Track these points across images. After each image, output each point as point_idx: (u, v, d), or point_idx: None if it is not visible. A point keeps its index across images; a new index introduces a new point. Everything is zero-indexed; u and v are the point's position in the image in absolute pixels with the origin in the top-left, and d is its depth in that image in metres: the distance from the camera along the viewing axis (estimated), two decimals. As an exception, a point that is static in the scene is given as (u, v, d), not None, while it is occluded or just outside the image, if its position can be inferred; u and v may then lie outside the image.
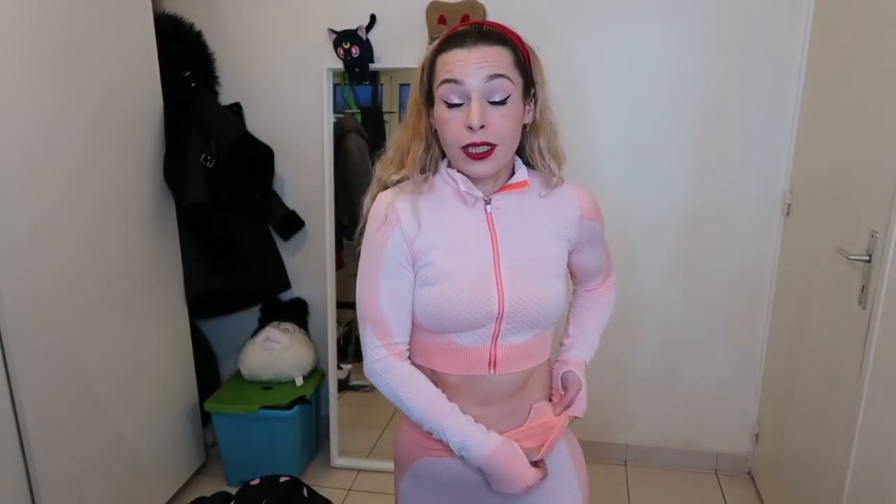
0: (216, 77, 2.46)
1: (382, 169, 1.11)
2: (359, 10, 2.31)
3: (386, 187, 1.09)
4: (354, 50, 2.29)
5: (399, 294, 1.05)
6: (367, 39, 2.30)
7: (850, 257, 1.61)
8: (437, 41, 1.02)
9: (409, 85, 3.41)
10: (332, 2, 2.34)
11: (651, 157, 2.31)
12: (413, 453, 1.13)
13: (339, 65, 2.34)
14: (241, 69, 2.46)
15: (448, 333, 1.05)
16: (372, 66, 2.34)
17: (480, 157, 0.98)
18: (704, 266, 2.37)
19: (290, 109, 2.46)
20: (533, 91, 1.04)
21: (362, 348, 1.09)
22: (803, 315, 2.04)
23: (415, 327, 1.08)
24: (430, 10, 2.24)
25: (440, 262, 1.03)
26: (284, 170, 2.52)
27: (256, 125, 2.47)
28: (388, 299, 1.05)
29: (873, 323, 1.51)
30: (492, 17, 2.24)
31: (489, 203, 1.06)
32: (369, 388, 3.15)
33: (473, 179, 1.04)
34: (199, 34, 2.38)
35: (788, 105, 2.18)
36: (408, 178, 1.07)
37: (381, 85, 3.18)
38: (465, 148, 0.98)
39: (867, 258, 1.55)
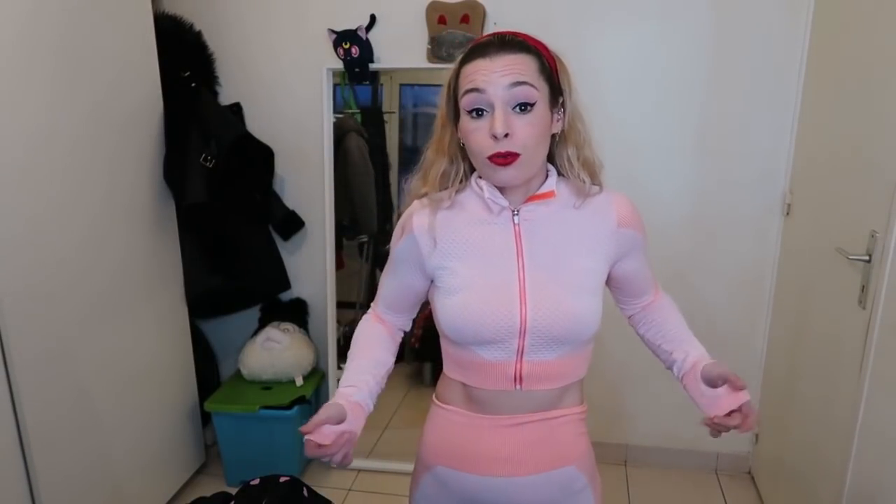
0: (216, 77, 2.46)
1: (413, 184, 1.12)
2: (359, 10, 2.31)
3: (415, 198, 1.11)
4: (354, 50, 2.29)
5: (399, 286, 1.14)
6: (367, 39, 2.30)
7: (850, 257, 1.60)
8: (460, 55, 1.01)
9: (409, 85, 3.44)
10: (332, 2, 2.34)
11: (651, 157, 2.31)
12: (436, 456, 1.14)
13: (339, 65, 2.34)
14: (241, 69, 2.46)
15: (473, 346, 1.04)
16: (372, 66, 2.34)
17: (505, 162, 0.96)
18: (704, 266, 2.37)
19: (290, 109, 2.46)
20: (561, 100, 1.03)
21: None
22: (803, 315, 2.04)
23: (445, 339, 1.10)
24: (430, 10, 2.24)
25: (462, 272, 1.03)
26: (284, 170, 2.52)
27: (256, 125, 2.47)
28: (389, 287, 1.16)
29: (873, 323, 1.51)
30: (491, 17, 2.24)
31: (517, 214, 1.04)
32: (369, 388, 3.16)
33: (502, 189, 1.03)
34: (199, 34, 2.38)
35: (788, 105, 2.18)
36: (428, 192, 1.08)
37: (381, 85, 3.18)
38: (491, 158, 0.97)
39: (867, 258, 1.55)
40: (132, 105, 2.03)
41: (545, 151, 1.03)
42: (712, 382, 1.05)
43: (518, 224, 1.04)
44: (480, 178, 1.04)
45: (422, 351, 3.11)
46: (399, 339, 1.22)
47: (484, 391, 1.06)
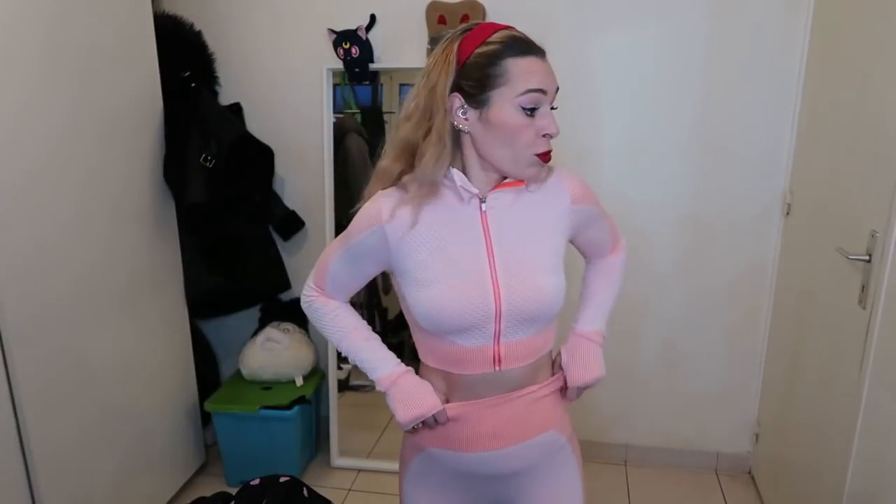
0: (216, 77, 2.46)
1: (387, 163, 1.08)
2: (359, 10, 2.31)
3: (387, 182, 1.09)
4: (354, 50, 2.29)
5: (353, 274, 1.14)
6: (367, 39, 2.30)
7: (850, 257, 1.60)
8: (495, 47, 0.99)
9: (409, 85, 3.42)
10: (332, 2, 2.34)
11: (651, 157, 2.30)
12: (426, 440, 1.17)
13: (339, 65, 2.34)
14: (241, 69, 2.46)
15: (450, 335, 1.07)
16: (372, 66, 2.34)
17: (548, 159, 1.04)
18: (704, 266, 2.37)
19: (290, 109, 2.46)
20: None
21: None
22: (803, 315, 2.04)
23: (421, 331, 1.11)
24: (430, 10, 2.24)
25: (433, 264, 1.05)
26: (284, 170, 2.52)
27: (256, 125, 2.47)
28: (338, 267, 1.14)
29: (873, 323, 1.51)
30: (491, 17, 2.24)
31: (484, 202, 1.07)
32: (369, 388, 3.16)
33: (482, 178, 1.06)
34: (199, 34, 2.37)
35: (788, 105, 2.18)
36: (409, 175, 1.06)
37: (381, 85, 3.18)
38: (540, 155, 1.02)
39: (867, 258, 1.55)
40: (132, 105, 2.02)
41: None
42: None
43: (485, 211, 1.07)
44: (453, 168, 1.04)
45: (422, 351, 3.11)
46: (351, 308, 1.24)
47: (464, 376, 1.09)
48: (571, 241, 1.18)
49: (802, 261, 2.07)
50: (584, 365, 1.18)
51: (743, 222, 2.31)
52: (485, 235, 1.06)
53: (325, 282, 1.17)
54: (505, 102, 0.99)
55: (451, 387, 1.12)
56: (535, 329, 1.09)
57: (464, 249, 1.05)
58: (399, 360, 1.16)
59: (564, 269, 1.11)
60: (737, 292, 2.37)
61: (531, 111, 0.99)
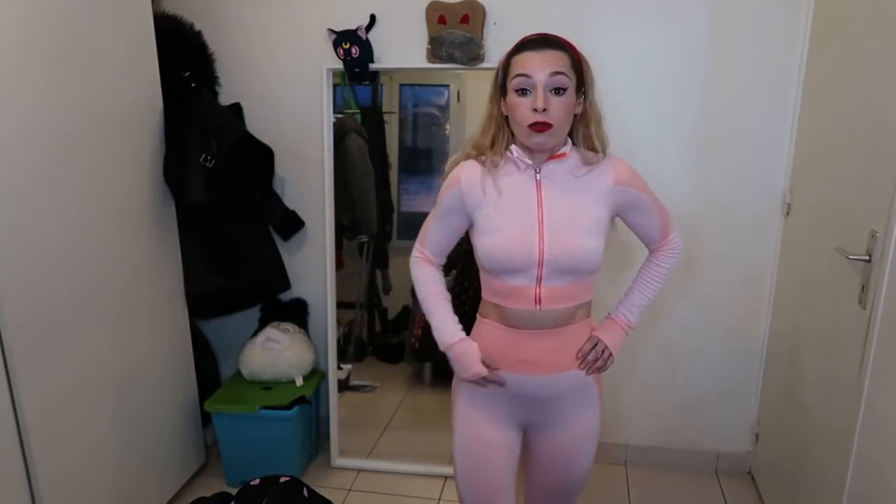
0: (216, 77, 2.46)
1: (467, 145, 1.41)
2: (359, 10, 2.31)
3: (467, 156, 1.40)
4: (354, 50, 2.29)
5: (443, 229, 1.43)
6: (367, 39, 2.30)
7: (850, 257, 1.61)
8: (511, 48, 1.31)
9: (409, 85, 3.44)
10: (332, 2, 2.35)
11: (651, 157, 2.29)
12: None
13: (339, 65, 2.34)
14: (241, 69, 2.46)
15: (503, 274, 1.34)
16: (372, 66, 2.34)
17: (540, 129, 1.27)
18: (704, 266, 2.37)
19: (290, 109, 2.46)
20: (583, 88, 1.32)
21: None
22: (803, 315, 2.04)
23: (483, 271, 1.40)
24: (430, 10, 2.24)
25: (495, 217, 1.33)
26: (284, 170, 2.52)
27: (256, 125, 2.47)
28: (434, 228, 1.44)
29: (873, 323, 1.51)
30: (491, 17, 2.24)
31: (539, 172, 1.34)
32: (369, 388, 3.18)
33: (531, 152, 1.33)
34: (199, 34, 2.37)
35: (788, 105, 2.18)
36: (483, 153, 1.36)
37: (381, 85, 3.18)
38: (530, 125, 1.26)
39: (867, 258, 1.55)
40: (132, 105, 2.02)
41: (569, 126, 1.33)
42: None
43: (539, 179, 1.34)
44: (514, 145, 1.35)
45: (422, 351, 3.11)
46: (442, 273, 1.50)
47: (512, 310, 1.36)
48: (623, 220, 1.42)
49: (802, 261, 2.07)
50: (613, 340, 1.45)
51: (743, 222, 2.31)
52: (538, 198, 1.33)
53: (426, 244, 1.46)
54: (509, 90, 1.29)
55: (501, 317, 1.38)
56: (572, 279, 1.33)
57: (520, 208, 1.32)
58: (458, 328, 1.42)
59: (606, 237, 1.35)
60: (737, 292, 2.37)
61: (523, 92, 1.27)
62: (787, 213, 2.24)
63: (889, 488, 1.42)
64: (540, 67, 1.24)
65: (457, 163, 1.40)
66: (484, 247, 1.34)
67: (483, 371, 1.37)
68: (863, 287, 1.58)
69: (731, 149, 2.26)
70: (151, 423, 2.17)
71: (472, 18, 2.21)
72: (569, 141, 1.36)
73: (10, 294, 1.57)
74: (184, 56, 2.29)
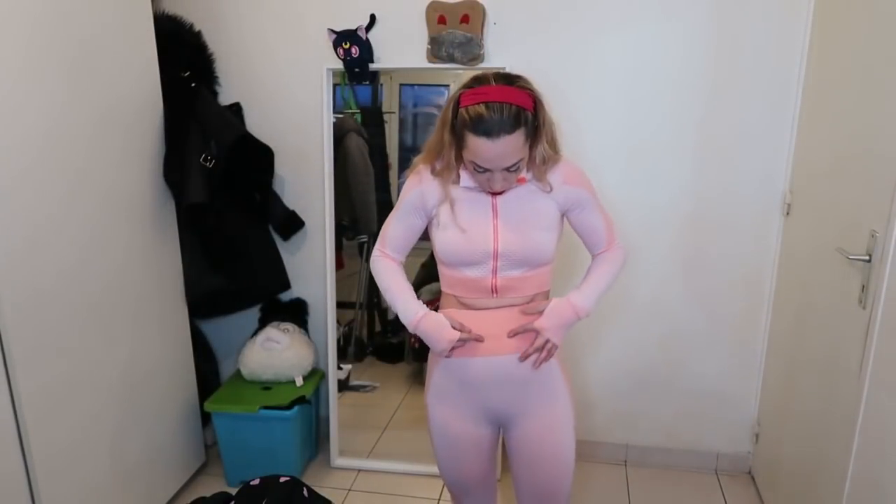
0: (216, 77, 2.46)
1: (419, 160, 1.47)
2: (359, 10, 2.31)
3: (417, 166, 1.47)
4: (354, 50, 2.29)
5: (403, 227, 1.48)
6: (367, 39, 2.30)
7: (850, 257, 1.61)
8: (467, 115, 1.29)
9: (409, 85, 3.43)
10: (332, 2, 2.34)
11: (651, 157, 2.31)
12: (436, 361, 1.49)
13: (339, 65, 2.34)
14: (241, 69, 2.46)
15: (460, 266, 1.42)
16: (372, 66, 2.34)
17: (497, 194, 1.40)
18: (704, 266, 2.37)
19: (290, 109, 2.46)
20: (538, 132, 1.34)
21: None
22: (803, 315, 2.04)
23: (442, 264, 1.47)
24: (430, 10, 2.24)
25: (453, 213, 1.40)
26: (284, 170, 2.52)
27: (256, 125, 2.47)
28: (394, 227, 1.50)
29: (873, 323, 1.51)
30: (491, 17, 2.24)
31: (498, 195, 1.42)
32: (369, 389, 3.18)
33: None
34: (199, 34, 2.38)
35: (788, 105, 2.18)
36: (432, 171, 1.43)
37: (381, 85, 3.18)
38: (488, 192, 1.39)
39: (867, 258, 1.55)
40: (132, 105, 2.03)
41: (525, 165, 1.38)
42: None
43: (495, 197, 1.42)
44: (465, 173, 1.40)
45: (422, 351, 3.11)
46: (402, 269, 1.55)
47: (470, 298, 1.44)
48: (568, 221, 1.47)
49: (802, 261, 2.07)
50: (556, 321, 1.43)
51: (743, 222, 2.31)
52: (492, 202, 1.40)
53: (385, 243, 1.51)
54: (467, 159, 1.34)
55: (460, 306, 1.46)
56: (526, 269, 1.41)
57: (475, 206, 1.40)
58: (421, 306, 1.46)
59: (558, 232, 1.44)
60: (737, 292, 2.37)
61: (483, 170, 1.32)
62: (787, 213, 2.24)
63: (889, 489, 1.42)
64: (496, 163, 1.29)
65: (412, 171, 1.48)
66: (441, 241, 1.42)
67: (456, 334, 1.41)
68: (863, 287, 1.58)
69: (731, 149, 2.26)
70: (151, 423, 2.18)
71: (472, 18, 2.21)
72: (523, 167, 1.38)
73: (9, 294, 1.57)
74: (184, 56, 2.30)
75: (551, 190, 1.41)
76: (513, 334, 1.43)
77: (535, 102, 1.32)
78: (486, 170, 1.32)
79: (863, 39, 1.73)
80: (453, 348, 1.42)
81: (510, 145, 1.28)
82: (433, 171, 1.43)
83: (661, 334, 2.46)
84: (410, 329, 1.46)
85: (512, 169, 1.32)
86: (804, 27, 2.11)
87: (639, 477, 2.52)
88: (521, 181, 1.40)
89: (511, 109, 1.26)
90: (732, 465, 2.54)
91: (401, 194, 1.48)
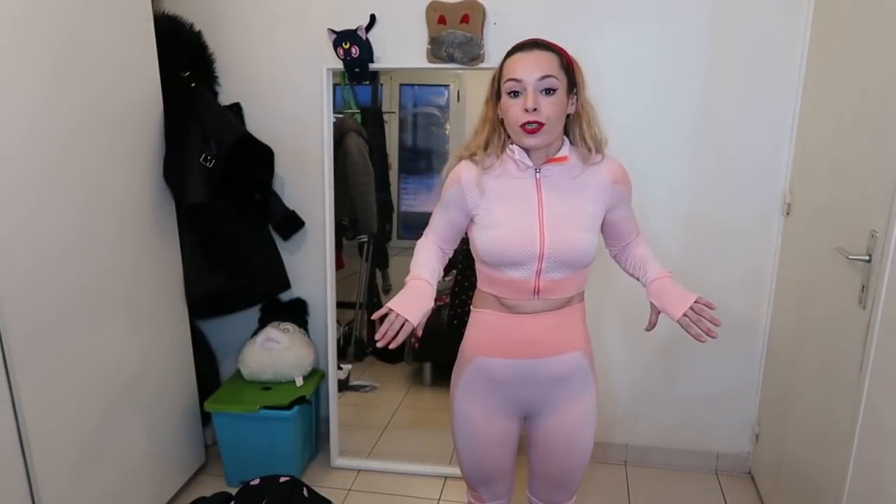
0: (216, 77, 2.46)
1: (460, 148, 1.47)
2: (359, 10, 2.31)
3: (460, 158, 1.45)
4: (354, 50, 2.29)
5: (447, 222, 1.49)
6: (367, 39, 2.30)
7: (850, 257, 1.61)
8: (504, 55, 1.37)
9: (409, 85, 3.43)
10: (332, 2, 2.34)
11: (651, 158, 2.30)
12: (476, 350, 1.47)
13: (339, 65, 2.34)
14: (241, 69, 2.46)
15: (503, 267, 1.40)
16: (372, 66, 2.34)
17: (532, 131, 1.32)
18: (704, 266, 2.36)
19: (290, 109, 2.46)
20: (575, 89, 1.37)
21: None
22: (803, 315, 2.04)
23: (482, 264, 1.45)
24: (430, 10, 2.24)
25: (497, 212, 1.39)
26: (284, 170, 2.52)
27: (256, 125, 2.47)
28: (439, 223, 1.51)
29: (873, 323, 1.51)
30: (491, 17, 2.24)
31: (538, 172, 1.40)
32: (369, 389, 3.18)
33: (528, 152, 1.38)
34: (199, 34, 2.37)
35: (788, 105, 2.18)
36: (475, 154, 1.41)
37: (381, 85, 3.18)
38: (523, 125, 1.31)
39: (867, 258, 1.55)
40: (132, 105, 2.03)
41: (561, 125, 1.38)
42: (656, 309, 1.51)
43: (539, 179, 1.40)
44: (513, 144, 1.39)
45: (422, 351, 3.12)
46: (447, 258, 1.56)
47: (510, 299, 1.42)
48: (605, 216, 1.46)
49: (802, 261, 2.07)
50: (680, 296, 1.45)
51: (743, 222, 2.31)
52: (538, 197, 1.39)
53: (431, 231, 1.53)
54: (503, 93, 1.34)
55: (499, 306, 1.44)
56: (570, 271, 1.40)
57: (521, 204, 1.38)
58: (424, 278, 1.43)
59: (598, 232, 1.44)
60: (737, 292, 2.37)
61: (515, 94, 1.32)
62: (787, 214, 2.24)
63: (889, 488, 1.42)
64: (530, 70, 1.30)
65: (452, 166, 1.46)
66: (485, 240, 1.39)
67: (391, 312, 1.33)
68: (863, 287, 1.58)
69: (731, 149, 2.26)
70: (151, 423, 2.17)
71: (472, 18, 2.21)
72: (566, 142, 1.42)
73: (9, 294, 1.57)
74: (184, 56, 2.29)
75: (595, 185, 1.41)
76: (651, 326, 1.52)
77: (573, 61, 1.37)
78: (518, 93, 1.31)
79: (862, 39, 1.73)
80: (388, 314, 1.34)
81: (544, 58, 1.30)
82: (476, 160, 1.41)
83: (662, 334, 2.44)
84: (407, 278, 1.44)
85: (550, 91, 1.30)
86: (804, 27, 2.11)
87: (639, 477, 2.52)
88: (564, 159, 1.39)
89: (546, 42, 1.35)
90: (732, 466, 2.54)
91: (443, 190, 1.47)
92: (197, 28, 2.37)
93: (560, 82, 1.31)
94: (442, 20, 2.23)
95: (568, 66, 1.35)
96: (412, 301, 1.36)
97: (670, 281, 1.48)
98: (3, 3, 1.52)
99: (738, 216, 2.30)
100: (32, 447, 1.65)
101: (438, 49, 2.25)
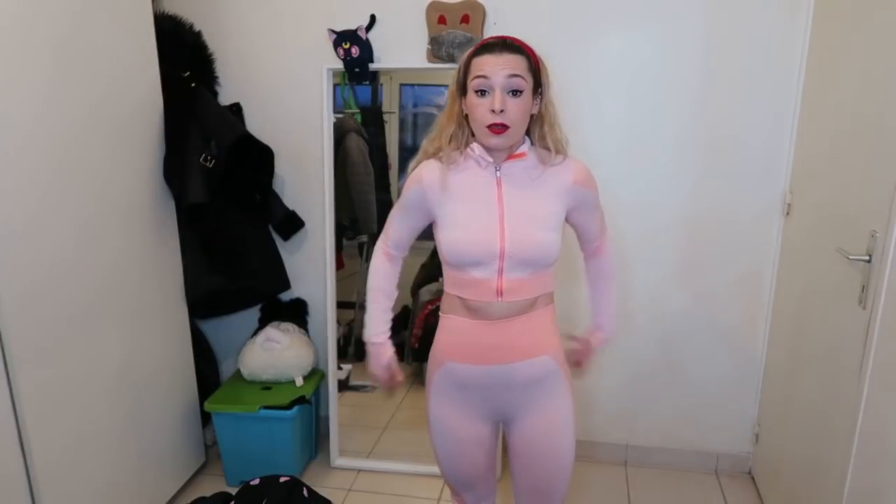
0: (216, 77, 2.46)
1: (426, 142, 1.45)
2: (359, 10, 2.31)
3: (427, 155, 1.44)
4: (354, 50, 2.29)
5: (404, 224, 1.50)
6: (367, 39, 2.30)
7: (850, 257, 1.61)
8: (471, 49, 1.35)
9: (409, 85, 3.43)
10: (332, 2, 2.35)
11: (651, 158, 2.31)
12: (446, 354, 1.46)
13: (339, 65, 2.34)
14: (241, 69, 2.46)
15: (466, 267, 1.38)
16: (372, 66, 2.34)
17: (498, 132, 1.32)
18: (704, 266, 2.37)
19: (290, 109, 2.46)
20: (540, 90, 1.36)
21: None
22: (803, 315, 2.04)
23: (447, 265, 1.43)
24: (430, 10, 2.24)
25: (458, 212, 1.39)
26: (284, 170, 2.52)
27: (256, 125, 2.47)
28: (396, 223, 1.51)
29: (873, 323, 1.51)
30: (491, 17, 2.24)
31: (499, 169, 1.39)
32: (369, 389, 3.18)
33: (490, 151, 1.37)
34: (199, 34, 2.38)
35: (788, 105, 2.18)
36: (441, 150, 1.40)
37: (381, 85, 3.18)
38: (489, 126, 1.31)
39: (867, 258, 1.55)
40: (132, 105, 2.02)
41: (525, 126, 1.37)
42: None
43: (499, 176, 1.39)
44: (475, 143, 1.39)
45: (421, 351, 3.11)
46: (399, 266, 1.57)
47: (475, 301, 1.40)
48: (567, 218, 1.44)
49: (802, 261, 2.07)
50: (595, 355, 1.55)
51: (743, 222, 2.31)
52: (498, 195, 1.37)
53: (387, 240, 1.52)
54: (469, 89, 1.33)
55: (466, 310, 1.42)
56: (532, 271, 1.38)
57: (481, 203, 1.37)
58: (384, 329, 1.55)
59: (561, 232, 1.41)
60: (737, 292, 2.37)
61: (482, 93, 1.31)
62: (787, 214, 2.24)
63: (889, 489, 1.42)
64: (498, 70, 1.29)
65: (418, 163, 1.45)
66: (447, 241, 1.39)
67: (389, 372, 1.57)
68: (863, 287, 1.58)
69: (731, 149, 2.26)
70: (151, 423, 2.17)
71: (472, 18, 2.21)
72: (527, 140, 1.41)
73: (9, 293, 1.57)
74: (184, 56, 2.30)
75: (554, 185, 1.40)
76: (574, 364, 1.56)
77: (540, 61, 1.36)
78: (485, 92, 1.30)
79: (863, 39, 1.73)
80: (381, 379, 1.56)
81: (513, 60, 1.30)
82: (441, 157, 1.40)
83: (661, 334, 2.46)
84: (363, 338, 1.57)
85: (517, 92, 1.30)
86: (804, 27, 2.11)
87: (639, 477, 2.52)
88: (522, 155, 1.38)
89: (515, 42, 1.34)
90: (732, 465, 2.54)
91: (403, 189, 1.46)
92: (197, 28, 2.37)
93: (527, 84, 1.31)
94: (442, 20, 2.23)
95: (535, 67, 1.34)
96: (376, 360, 1.58)
97: (604, 336, 1.60)
98: (2, 3, 1.52)
99: (737, 216, 2.30)
100: (32, 447, 1.65)
101: (438, 49, 2.25)
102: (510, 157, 1.38)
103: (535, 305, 1.42)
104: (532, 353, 1.42)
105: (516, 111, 1.31)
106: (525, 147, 1.40)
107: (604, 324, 1.60)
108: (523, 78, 1.30)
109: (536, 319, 1.43)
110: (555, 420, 1.47)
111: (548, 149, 1.39)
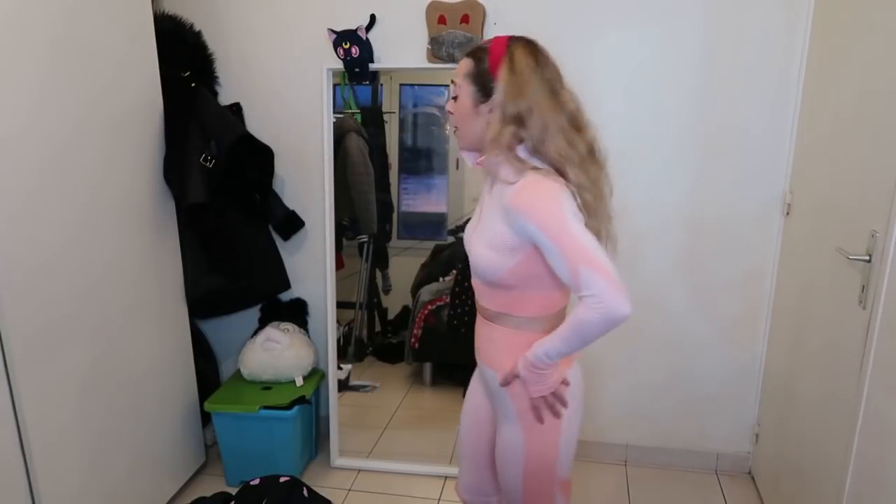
0: (216, 77, 2.46)
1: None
2: (359, 10, 2.31)
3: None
4: (354, 50, 2.29)
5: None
6: (367, 39, 2.30)
7: (850, 257, 1.61)
8: None
9: (409, 85, 3.42)
10: (332, 2, 2.35)
11: (651, 158, 2.31)
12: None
13: (339, 65, 2.34)
14: (241, 69, 2.46)
15: None
16: (372, 66, 2.34)
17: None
18: (705, 266, 2.37)
19: (290, 109, 2.46)
20: (491, 97, 1.29)
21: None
22: (803, 315, 2.04)
23: None
24: (430, 10, 2.24)
25: None
26: (284, 170, 2.52)
27: (256, 125, 2.47)
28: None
29: (873, 323, 1.51)
30: (491, 17, 2.24)
31: (490, 178, 1.39)
32: (369, 389, 3.18)
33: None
34: (199, 34, 2.38)
35: (788, 105, 2.18)
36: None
37: (381, 85, 3.18)
38: None
39: (867, 258, 1.55)
40: (132, 105, 2.03)
41: (472, 130, 1.35)
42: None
43: (490, 179, 1.39)
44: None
45: (422, 351, 3.11)
46: None
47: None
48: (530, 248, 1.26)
49: (802, 261, 2.07)
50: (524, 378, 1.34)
51: (743, 222, 2.31)
52: (482, 199, 1.42)
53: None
54: None
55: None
56: (480, 280, 1.38)
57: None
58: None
59: (515, 256, 1.26)
60: (737, 292, 2.37)
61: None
62: (787, 214, 2.24)
63: (889, 488, 1.42)
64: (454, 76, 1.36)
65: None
66: None
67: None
68: (863, 287, 1.58)
69: (731, 149, 2.26)
70: (151, 422, 2.18)
71: (472, 18, 2.21)
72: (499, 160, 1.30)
73: (9, 293, 1.57)
74: (184, 56, 2.30)
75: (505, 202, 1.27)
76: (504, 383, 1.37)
77: (497, 70, 1.26)
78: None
79: (863, 39, 1.73)
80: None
81: (459, 65, 1.35)
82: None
83: (662, 334, 2.46)
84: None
85: (454, 97, 1.37)
86: (804, 27, 2.11)
87: (639, 477, 2.52)
88: (479, 164, 1.36)
89: (471, 49, 1.36)
90: (732, 465, 2.55)
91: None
92: (197, 28, 2.37)
93: (461, 89, 1.33)
94: (442, 20, 2.23)
95: (485, 73, 1.27)
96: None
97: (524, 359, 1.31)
98: (2, 4, 1.52)
99: (738, 216, 2.30)
100: (32, 447, 1.65)
101: (438, 49, 2.25)
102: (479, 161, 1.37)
103: (497, 320, 1.37)
104: (489, 363, 1.43)
105: (455, 114, 1.37)
106: (485, 157, 1.31)
107: (533, 347, 1.29)
108: (455, 82, 1.36)
109: (496, 334, 1.39)
110: (500, 444, 1.44)
111: (514, 163, 1.27)
